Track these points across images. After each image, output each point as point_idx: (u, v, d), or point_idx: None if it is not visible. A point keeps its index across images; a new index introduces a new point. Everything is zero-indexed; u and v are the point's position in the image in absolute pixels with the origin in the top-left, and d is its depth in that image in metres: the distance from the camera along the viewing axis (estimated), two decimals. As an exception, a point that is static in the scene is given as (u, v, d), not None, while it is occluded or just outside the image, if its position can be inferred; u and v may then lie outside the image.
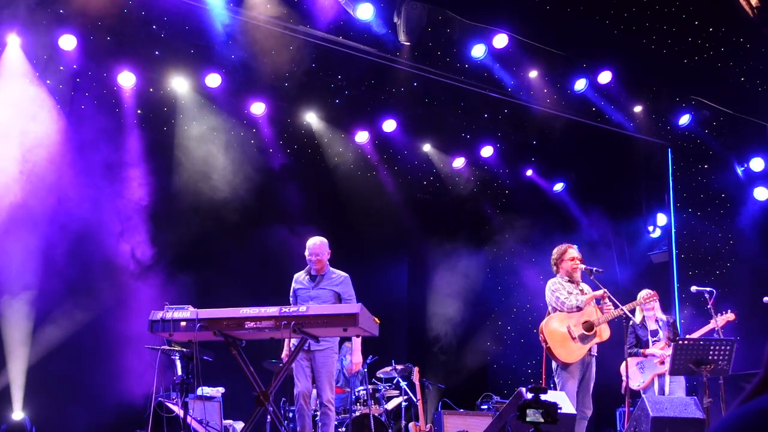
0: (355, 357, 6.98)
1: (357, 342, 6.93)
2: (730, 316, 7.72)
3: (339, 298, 6.65)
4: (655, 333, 7.96)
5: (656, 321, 8.00)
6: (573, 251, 7.01)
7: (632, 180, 11.80)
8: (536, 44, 9.52)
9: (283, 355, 6.67)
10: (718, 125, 10.65)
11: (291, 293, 6.86)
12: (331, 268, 6.81)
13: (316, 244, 6.74)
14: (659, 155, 11.39)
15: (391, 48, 9.19)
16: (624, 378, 7.58)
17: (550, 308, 6.92)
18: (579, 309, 6.73)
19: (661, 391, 7.72)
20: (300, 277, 6.86)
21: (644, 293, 7.41)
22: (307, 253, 6.76)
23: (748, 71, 9.60)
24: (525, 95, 10.25)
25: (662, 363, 7.69)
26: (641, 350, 7.89)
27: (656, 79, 10.31)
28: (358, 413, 7.89)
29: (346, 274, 6.81)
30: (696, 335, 7.66)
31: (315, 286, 6.70)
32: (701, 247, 10.76)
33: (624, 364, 7.21)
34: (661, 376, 7.73)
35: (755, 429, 0.89)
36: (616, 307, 6.70)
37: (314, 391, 6.83)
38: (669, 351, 7.22)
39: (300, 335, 5.16)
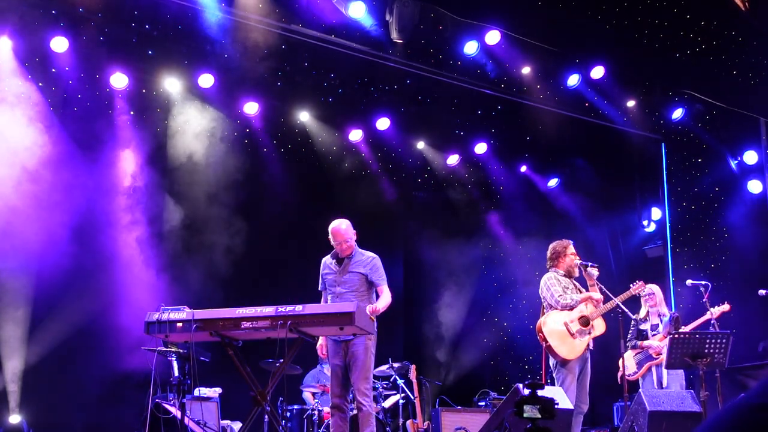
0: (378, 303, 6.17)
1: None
2: (725, 307, 7.74)
3: (367, 281, 6.18)
4: (655, 327, 7.96)
5: (659, 316, 8.00)
6: (572, 247, 7.02)
7: (626, 175, 11.83)
8: (529, 40, 9.54)
9: (319, 345, 6.29)
10: (711, 119, 10.68)
11: (320, 278, 6.42)
12: (360, 250, 6.30)
13: (340, 229, 6.22)
14: (653, 150, 11.42)
15: (383, 46, 9.19)
16: (621, 369, 7.59)
17: (545, 304, 6.89)
18: (571, 308, 6.72)
19: (659, 383, 7.73)
20: (327, 261, 6.37)
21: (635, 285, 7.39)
22: (331, 239, 6.25)
23: (741, 65, 9.62)
24: (518, 91, 10.26)
25: (658, 354, 7.71)
26: (639, 342, 7.90)
27: (649, 74, 10.33)
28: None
29: (375, 255, 6.28)
30: (689, 327, 7.68)
31: (342, 270, 6.24)
32: (696, 240, 10.78)
33: (623, 356, 7.21)
34: (658, 366, 7.74)
35: (746, 423, 0.89)
36: (608, 299, 6.71)
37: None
38: (666, 343, 7.22)
39: (296, 335, 5.15)
